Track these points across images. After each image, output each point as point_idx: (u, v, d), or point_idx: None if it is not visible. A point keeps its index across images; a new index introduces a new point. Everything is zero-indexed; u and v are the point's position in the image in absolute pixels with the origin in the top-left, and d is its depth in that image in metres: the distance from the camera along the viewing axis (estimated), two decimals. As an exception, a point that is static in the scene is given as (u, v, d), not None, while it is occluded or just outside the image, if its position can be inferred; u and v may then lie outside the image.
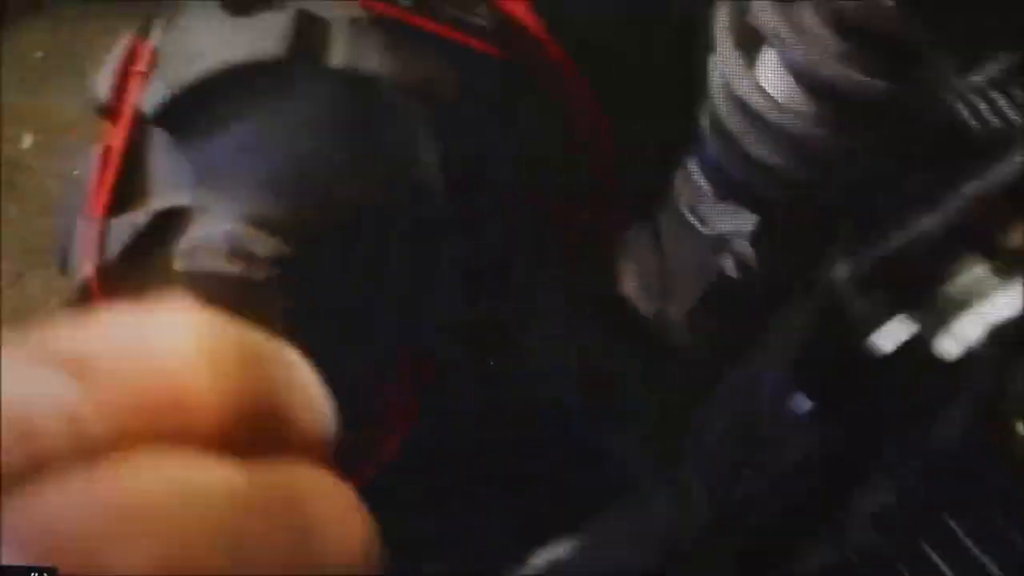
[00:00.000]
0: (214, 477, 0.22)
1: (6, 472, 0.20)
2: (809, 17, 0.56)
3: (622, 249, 0.85)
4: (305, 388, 0.25)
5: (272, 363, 0.25)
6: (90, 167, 0.75)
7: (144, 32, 0.77)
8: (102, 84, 0.74)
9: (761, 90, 0.60)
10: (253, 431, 0.23)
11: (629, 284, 0.85)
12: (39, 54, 1.59)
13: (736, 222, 0.73)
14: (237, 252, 0.72)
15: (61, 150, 1.50)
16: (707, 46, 0.67)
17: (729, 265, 0.74)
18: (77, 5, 1.57)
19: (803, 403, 0.53)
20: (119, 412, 0.22)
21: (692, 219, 0.75)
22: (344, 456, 0.26)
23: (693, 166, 0.71)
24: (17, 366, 0.22)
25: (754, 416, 0.59)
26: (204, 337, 0.23)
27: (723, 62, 0.61)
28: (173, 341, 0.23)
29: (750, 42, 0.61)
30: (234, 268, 0.72)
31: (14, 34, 1.58)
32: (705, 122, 0.68)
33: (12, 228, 1.44)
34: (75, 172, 1.54)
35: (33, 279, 1.41)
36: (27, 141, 1.52)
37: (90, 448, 0.21)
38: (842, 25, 0.54)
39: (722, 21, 0.61)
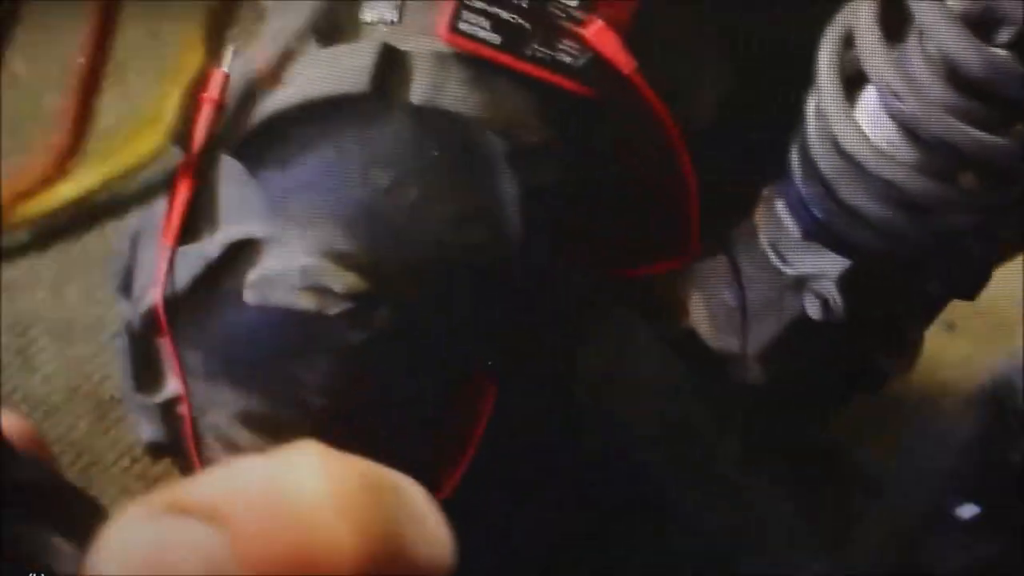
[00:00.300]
0: None
1: None
2: (918, 65, 0.55)
3: (693, 284, 0.83)
4: (426, 522, 0.25)
5: (398, 502, 0.24)
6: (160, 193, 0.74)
7: (215, 56, 0.76)
8: (172, 109, 0.73)
9: (861, 134, 0.59)
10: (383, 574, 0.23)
11: (699, 319, 0.84)
12: (80, 60, 1.57)
13: (820, 263, 0.71)
14: (312, 287, 0.70)
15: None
16: (796, 80, 0.66)
17: (812, 306, 0.72)
18: (121, 9, 1.56)
19: (968, 509, 0.52)
20: (257, 561, 0.22)
21: (773, 257, 0.74)
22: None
23: (779, 203, 0.69)
24: (155, 515, 0.22)
25: (914, 521, 0.58)
26: (337, 483, 0.23)
27: (823, 100, 0.59)
28: (307, 489, 0.23)
29: (852, 81, 0.60)
30: (308, 303, 0.71)
31: (53, 38, 1.56)
32: (795, 159, 0.66)
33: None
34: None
35: (71, 289, 1.40)
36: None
37: None
38: (955, 77, 0.53)
39: (826, 57, 0.59)
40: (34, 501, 0.26)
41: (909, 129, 0.57)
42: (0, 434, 0.27)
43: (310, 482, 0.23)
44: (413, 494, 0.24)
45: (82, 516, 0.27)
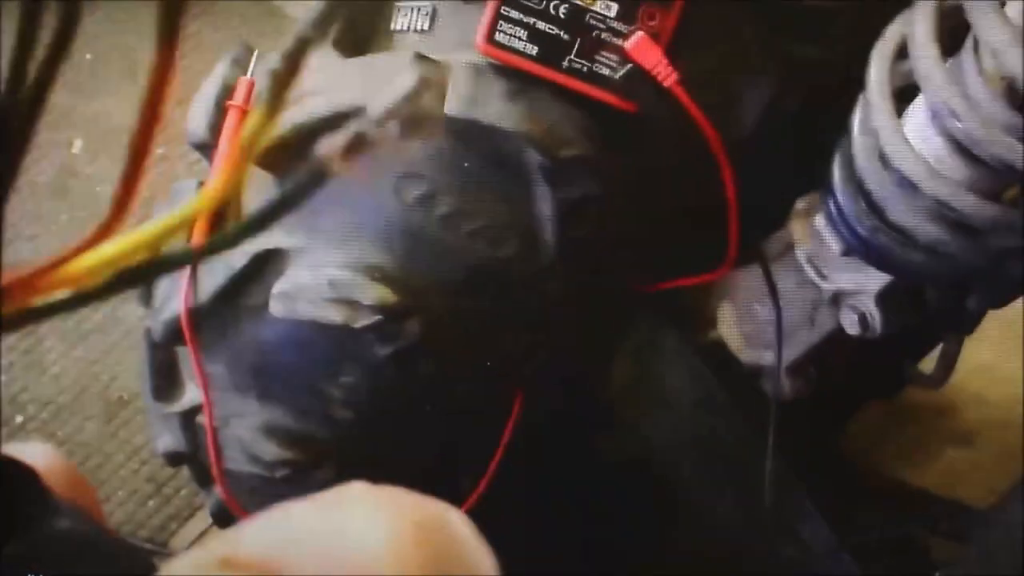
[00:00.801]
0: None
1: None
2: (974, 81, 0.53)
3: (723, 295, 0.82)
4: (473, 552, 0.24)
5: (448, 540, 0.24)
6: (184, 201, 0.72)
7: (241, 65, 0.74)
8: (198, 117, 0.72)
9: (912, 151, 0.57)
10: None
11: (729, 331, 0.83)
12: (89, 56, 1.56)
13: (859, 279, 0.70)
14: (340, 299, 0.69)
15: (113, 155, 1.48)
16: (840, 89, 0.64)
17: (850, 321, 0.71)
18: (128, 5, 1.54)
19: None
20: None
21: (811, 272, 0.73)
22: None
23: (818, 218, 0.68)
24: (209, 573, 0.21)
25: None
26: (392, 533, 0.22)
27: (873, 115, 0.58)
28: (364, 542, 0.22)
29: (899, 94, 0.58)
30: (336, 316, 0.69)
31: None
32: (837, 174, 0.65)
33: (63, 234, 1.41)
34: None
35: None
36: (77, 146, 1.50)
37: None
38: (1013, 95, 0.51)
39: (877, 70, 0.58)
40: (73, 553, 0.25)
41: (963, 147, 0.55)
42: (37, 479, 0.26)
43: (366, 534, 0.22)
44: (458, 526, 0.24)
45: (127, 569, 0.26)
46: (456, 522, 0.24)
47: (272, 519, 0.23)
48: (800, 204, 0.73)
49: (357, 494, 0.23)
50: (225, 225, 0.74)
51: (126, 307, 1.38)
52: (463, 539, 0.24)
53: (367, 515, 0.22)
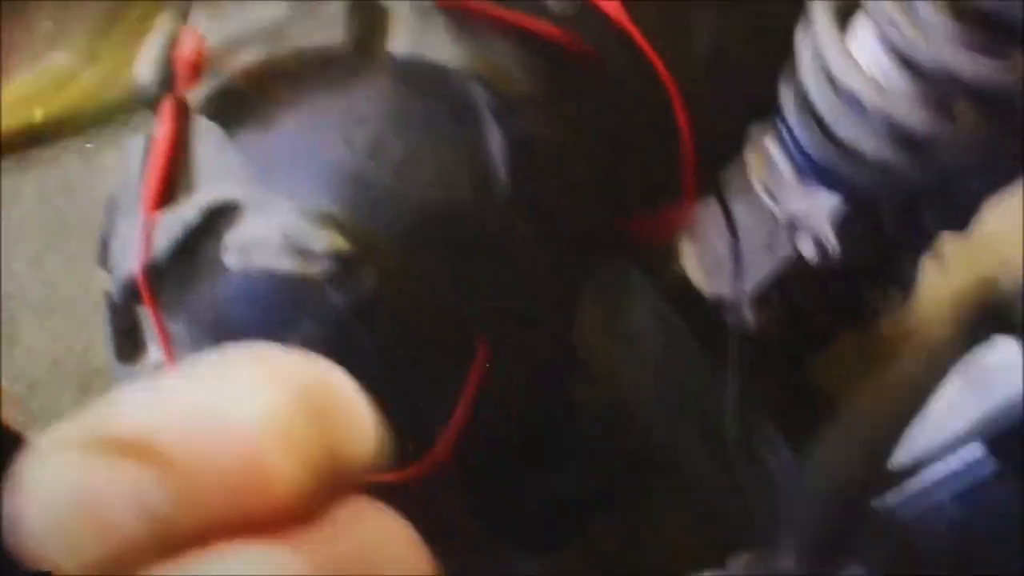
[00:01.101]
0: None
1: (86, 572, 0.19)
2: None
3: (685, 228, 0.82)
4: (358, 416, 0.24)
5: (333, 402, 0.23)
6: (135, 159, 0.72)
7: (185, 17, 0.73)
8: (146, 72, 0.71)
9: (856, 67, 0.57)
10: (322, 486, 0.22)
11: (692, 264, 0.82)
12: (48, 23, 1.54)
13: (813, 202, 0.70)
14: (293, 248, 0.69)
15: (75, 124, 1.47)
16: (788, 14, 0.64)
17: (807, 246, 0.71)
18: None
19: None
20: (194, 501, 0.21)
21: (765, 198, 0.72)
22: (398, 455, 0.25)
23: (770, 143, 0.68)
24: (83, 453, 0.21)
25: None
26: (274, 406, 0.22)
27: (817, 34, 0.58)
28: (244, 416, 0.21)
29: (844, 13, 0.58)
30: (290, 264, 0.69)
31: (20, 3, 1.53)
32: (788, 97, 0.64)
33: (29, 207, 1.40)
34: (88, 145, 1.50)
35: (53, 260, 1.38)
36: (39, 115, 1.48)
37: (170, 540, 0.20)
38: (960, 10, 0.51)
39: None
40: None
41: (906, 59, 0.55)
42: None
43: (246, 407, 0.21)
44: (340, 387, 0.23)
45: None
46: (336, 383, 0.23)
47: (149, 392, 0.22)
48: (756, 131, 0.72)
49: (235, 362, 0.23)
50: (178, 179, 0.73)
51: (97, 275, 1.37)
52: (344, 400, 0.23)
53: (248, 389, 0.22)
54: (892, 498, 0.47)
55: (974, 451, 0.45)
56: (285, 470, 0.21)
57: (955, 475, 0.45)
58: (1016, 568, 0.44)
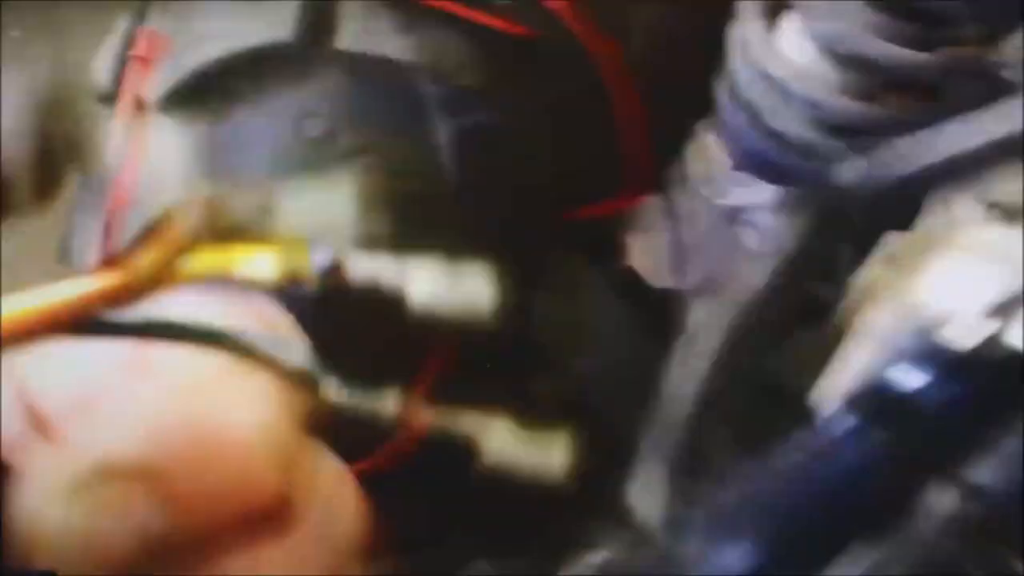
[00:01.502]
0: None
1: None
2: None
3: (632, 223, 0.84)
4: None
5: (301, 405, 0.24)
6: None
7: (140, 16, 0.75)
8: (102, 70, 0.73)
9: (783, 58, 0.60)
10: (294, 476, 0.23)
11: (639, 258, 0.84)
12: (16, 33, 1.54)
13: (753, 193, 0.72)
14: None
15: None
16: (727, 14, 0.66)
17: (748, 236, 0.73)
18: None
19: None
20: (190, 518, 0.22)
21: (705, 190, 0.74)
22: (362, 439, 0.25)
23: (709, 135, 0.70)
24: (85, 487, 0.21)
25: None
26: (267, 428, 0.23)
27: (745, 29, 0.60)
28: (240, 436, 0.23)
29: (773, 9, 0.60)
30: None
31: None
32: (723, 92, 0.67)
33: None
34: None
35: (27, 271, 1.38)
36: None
37: (167, 554, 0.21)
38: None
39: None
40: None
41: (829, 48, 0.58)
42: None
43: (242, 430, 0.22)
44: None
45: None
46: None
47: (145, 414, 0.22)
48: (697, 125, 0.74)
49: (216, 374, 0.23)
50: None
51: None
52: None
53: (236, 397, 0.23)
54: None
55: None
56: (269, 484, 0.22)
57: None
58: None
